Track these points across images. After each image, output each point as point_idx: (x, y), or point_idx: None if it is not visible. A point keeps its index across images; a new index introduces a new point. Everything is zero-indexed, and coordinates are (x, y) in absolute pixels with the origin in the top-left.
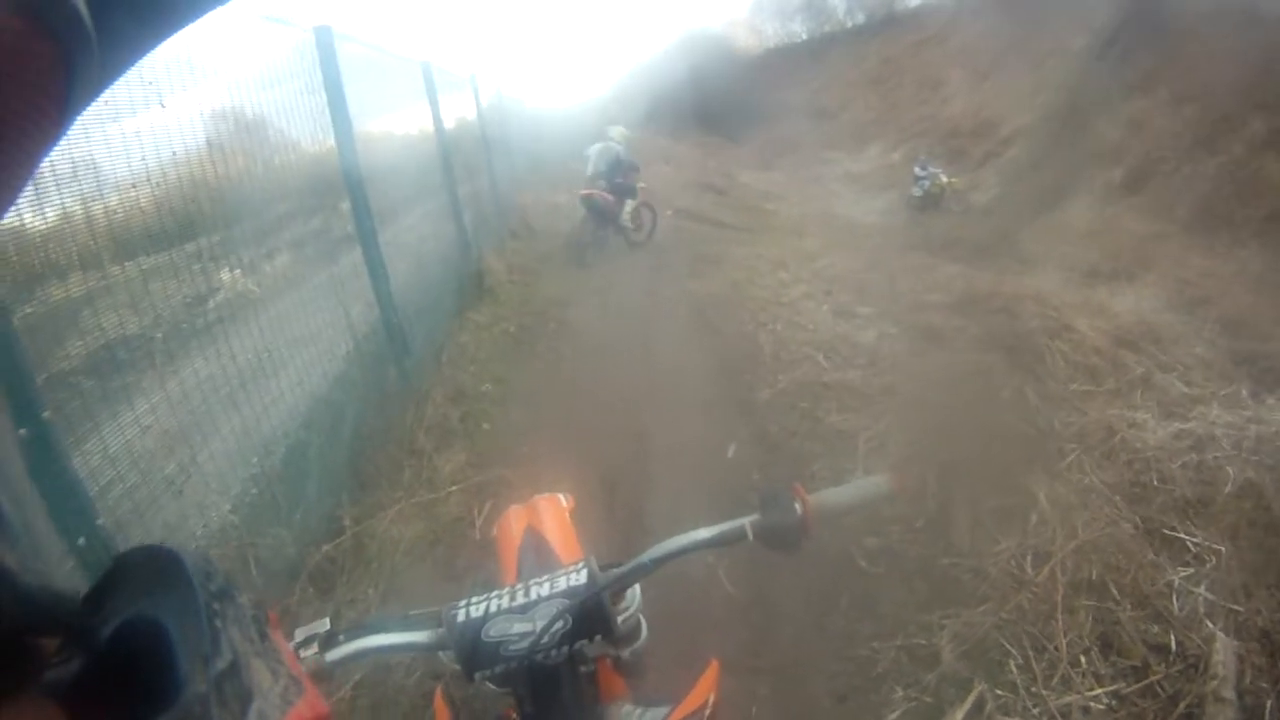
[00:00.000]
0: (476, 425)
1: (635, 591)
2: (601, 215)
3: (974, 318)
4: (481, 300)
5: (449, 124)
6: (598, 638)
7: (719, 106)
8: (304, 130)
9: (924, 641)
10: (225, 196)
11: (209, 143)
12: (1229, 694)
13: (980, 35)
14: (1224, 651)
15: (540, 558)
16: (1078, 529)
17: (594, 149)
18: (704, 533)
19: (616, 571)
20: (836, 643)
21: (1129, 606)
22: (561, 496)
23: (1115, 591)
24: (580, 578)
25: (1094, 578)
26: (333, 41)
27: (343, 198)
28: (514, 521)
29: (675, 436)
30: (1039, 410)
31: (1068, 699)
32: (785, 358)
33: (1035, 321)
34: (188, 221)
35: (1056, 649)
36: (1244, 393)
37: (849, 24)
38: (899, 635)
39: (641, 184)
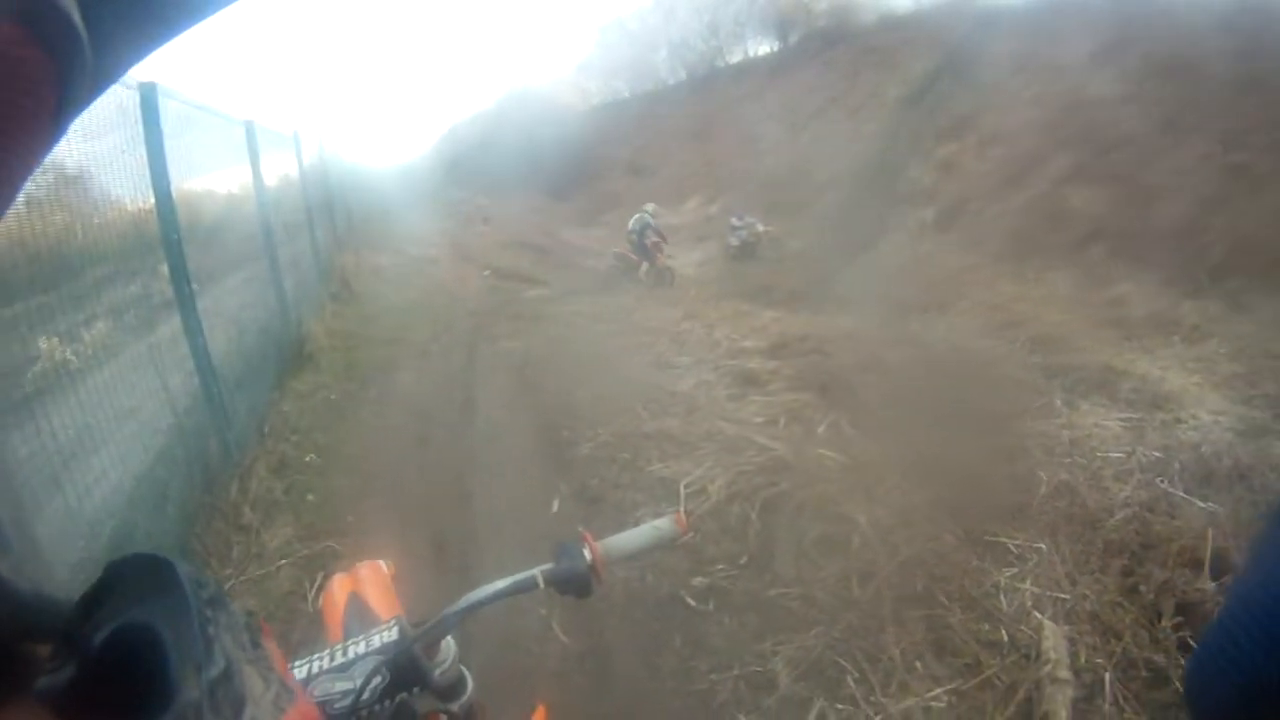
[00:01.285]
0: (301, 497)
1: (450, 644)
2: (624, 268)
3: (789, 359)
4: (303, 367)
5: (271, 184)
6: (417, 690)
7: (543, 164)
8: (125, 188)
9: (760, 669)
10: (43, 256)
11: (27, 197)
12: (1065, 674)
13: (798, 90)
14: (1054, 637)
15: (362, 621)
16: (899, 547)
17: (635, 218)
18: (500, 584)
19: (425, 626)
20: (673, 680)
21: (958, 610)
22: (383, 563)
23: (943, 598)
24: (392, 634)
25: (920, 589)
26: (156, 98)
27: (162, 261)
28: (338, 589)
29: (500, 496)
30: (853, 441)
31: (907, 703)
32: (604, 410)
33: (847, 358)
34: (3, 283)
35: (890, 659)
36: (1058, 402)
37: (671, 81)
38: (735, 666)
39: (668, 255)
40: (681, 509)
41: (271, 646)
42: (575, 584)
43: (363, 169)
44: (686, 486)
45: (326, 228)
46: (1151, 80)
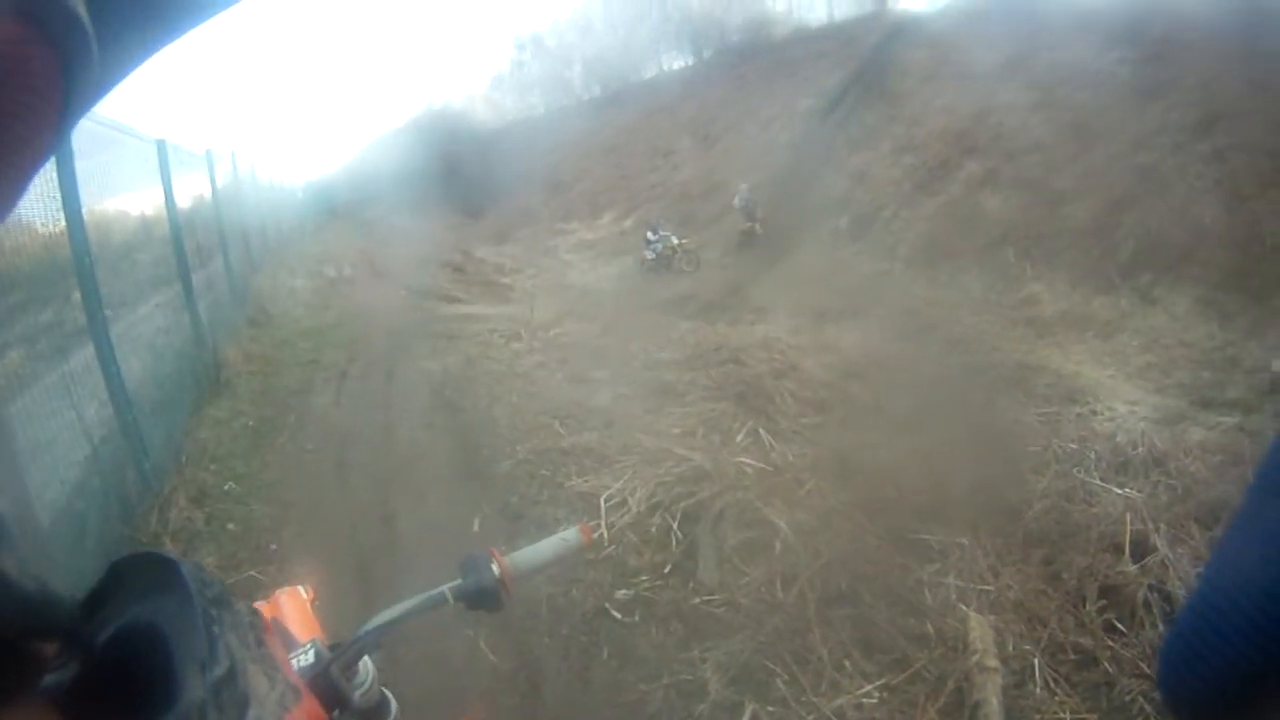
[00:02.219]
0: (222, 526)
1: (368, 665)
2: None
3: (706, 370)
4: (220, 394)
5: (184, 205)
6: (338, 713)
7: (459, 182)
8: (34, 211)
9: (690, 677)
10: None
11: None
12: (993, 663)
13: (711, 103)
14: (979, 628)
15: (282, 648)
16: (822, 549)
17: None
18: (410, 602)
19: (340, 648)
20: (604, 692)
21: (884, 607)
22: (302, 588)
23: (868, 597)
24: (309, 658)
25: (845, 588)
26: None
27: (74, 287)
28: None
29: (422, 517)
30: (772, 447)
31: (839, 701)
32: (523, 427)
33: (763, 366)
34: None
35: (819, 659)
36: (977, 401)
37: (586, 96)
38: (664, 675)
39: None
40: (603, 521)
41: (276, 646)
42: (485, 598)
43: (279, 187)
44: (607, 500)
45: (241, 249)
46: (1060, 88)
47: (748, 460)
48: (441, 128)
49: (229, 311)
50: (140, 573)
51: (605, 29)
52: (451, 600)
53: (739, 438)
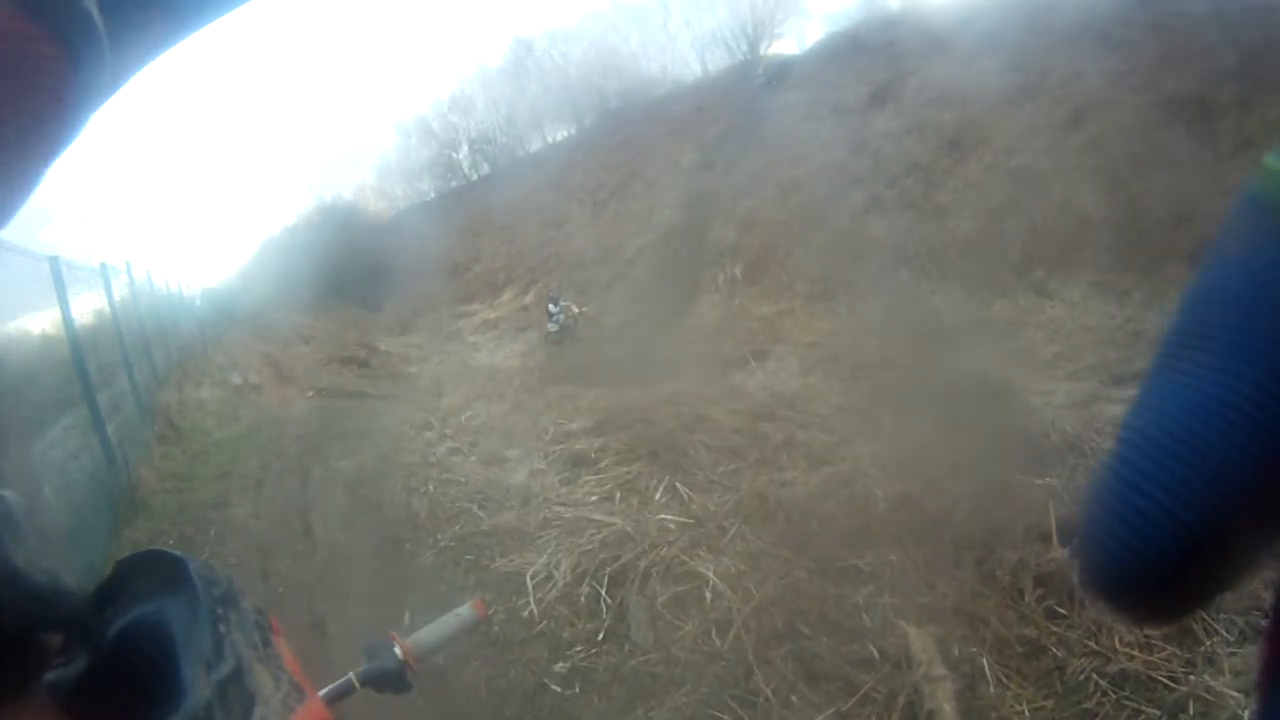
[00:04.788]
0: None
1: None
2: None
3: (616, 434)
4: (137, 514)
5: (84, 322)
6: None
7: (356, 276)
8: None
9: None
10: None
11: None
12: (940, 671)
13: (597, 169)
14: (920, 640)
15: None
16: (752, 591)
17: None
18: (319, 694)
19: None
20: None
21: (823, 638)
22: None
23: (806, 630)
24: None
25: (781, 626)
26: None
27: None
28: None
29: (351, 619)
30: (690, 500)
31: None
32: (442, 516)
33: (673, 422)
34: None
35: (765, 699)
36: (889, 420)
37: (474, 176)
38: None
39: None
40: (531, 598)
41: (282, 645)
42: (390, 680)
43: (178, 297)
44: (532, 577)
45: (145, 364)
46: (929, 108)
47: (668, 516)
48: (333, 222)
49: (138, 429)
50: (147, 571)
51: (487, 107)
52: (358, 685)
53: (657, 495)
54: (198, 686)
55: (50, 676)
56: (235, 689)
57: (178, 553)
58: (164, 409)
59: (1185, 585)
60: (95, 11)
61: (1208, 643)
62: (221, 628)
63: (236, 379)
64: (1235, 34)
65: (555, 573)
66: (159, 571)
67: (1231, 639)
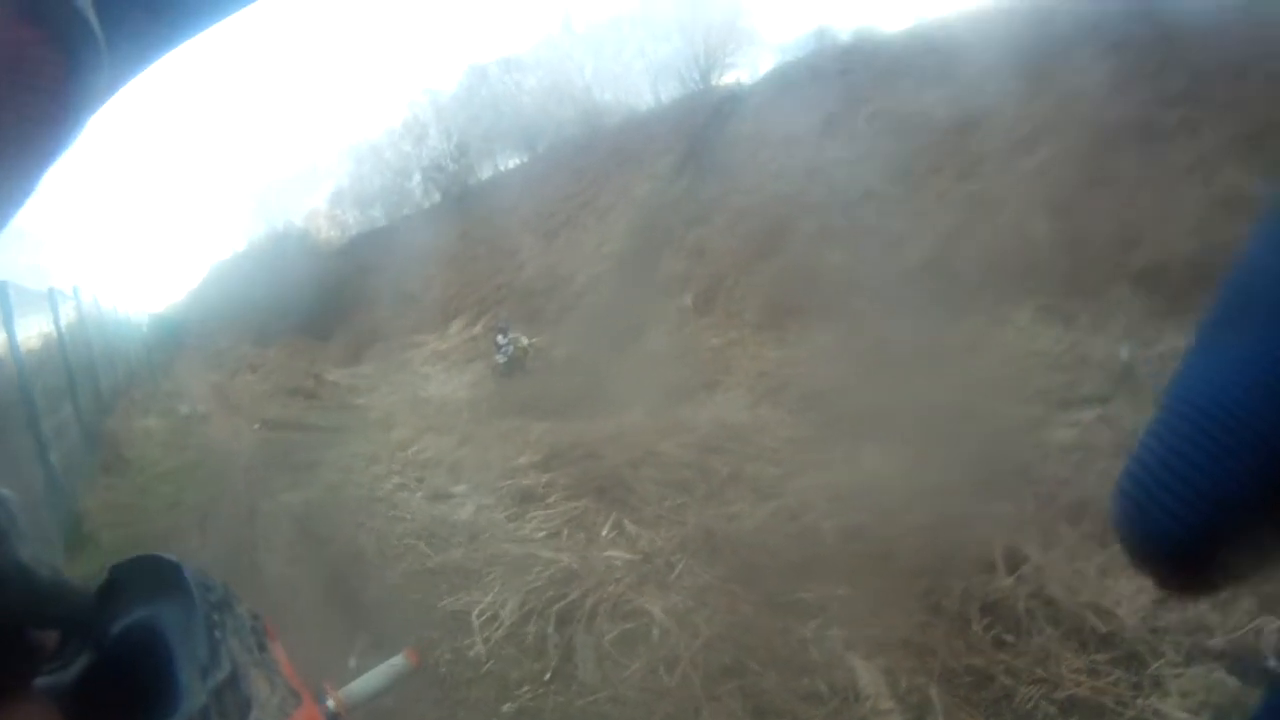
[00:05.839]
0: None
1: None
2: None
3: (563, 469)
4: (82, 548)
5: (30, 348)
6: None
7: (304, 303)
8: None
9: None
10: None
11: None
12: (887, 704)
13: (549, 199)
14: (867, 673)
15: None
16: (700, 627)
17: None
18: None
19: None
20: None
21: (771, 673)
22: None
23: (754, 665)
24: None
25: (729, 661)
26: None
27: None
28: None
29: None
30: (638, 536)
31: None
32: (389, 553)
33: (620, 457)
34: None
35: None
36: (839, 451)
37: (426, 204)
38: None
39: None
40: (478, 638)
41: (278, 650)
42: None
43: (126, 321)
44: (479, 615)
45: (91, 391)
46: (882, 136)
47: (615, 553)
48: (283, 248)
49: (84, 459)
50: (143, 576)
51: (440, 134)
52: None
53: (604, 532)
54: (194, 691)
55: (48, 679)
56: (231, 693)
57: (173, 557)
58: (110, 438)
59: (1226, 553)
60: (93, 17)
61: (1154, 665)
62: (217, 633)
63: (184, 408)
64: (1183, 56)
65: (502, 611)
66: (155, 576)
67: (1178, 660)
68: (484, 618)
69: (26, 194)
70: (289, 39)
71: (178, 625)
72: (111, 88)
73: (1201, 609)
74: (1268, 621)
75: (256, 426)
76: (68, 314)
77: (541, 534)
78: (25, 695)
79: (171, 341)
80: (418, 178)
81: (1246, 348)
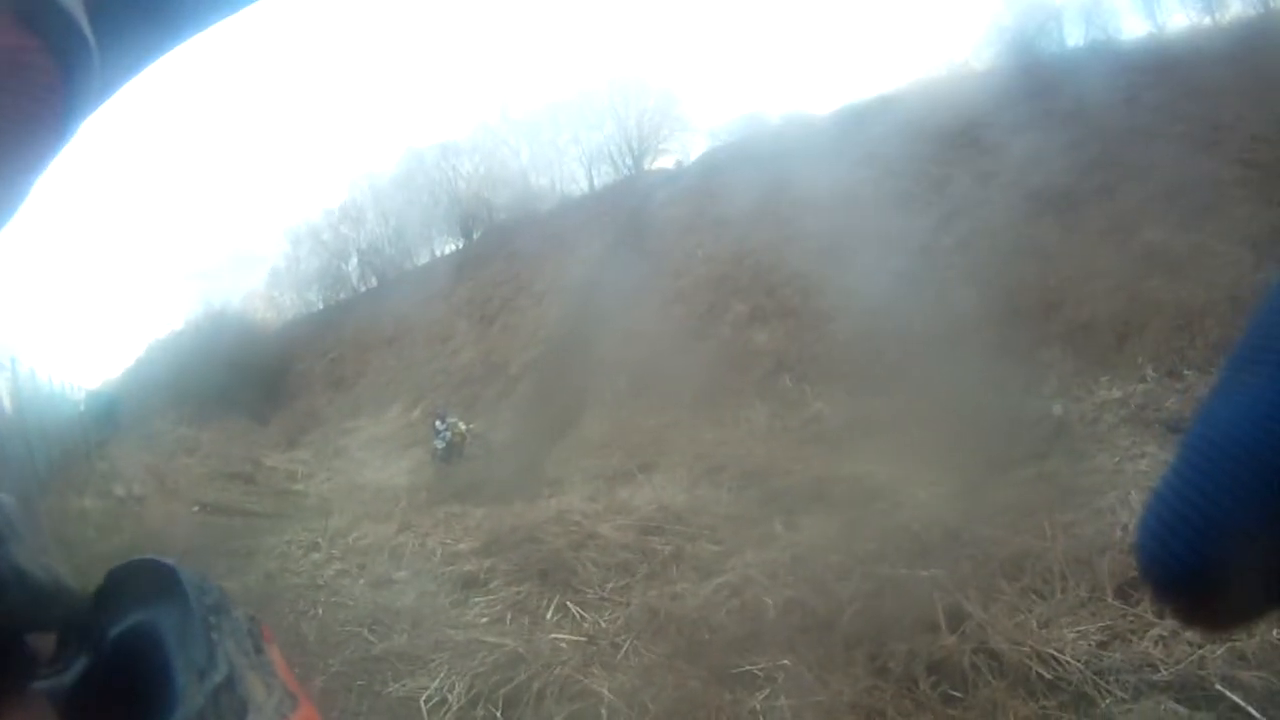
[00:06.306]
0: None
1: None
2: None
3: (504, 554)
4: None
5: None
6: None
7: (242, 385)
8: None
9: None
10: None
11: None
12: None
13: (485, 283)
14: None
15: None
16: (648, 705)
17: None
18: None
19: None
20: None
21: None
22: None
23: None
24: None
25: None
26: None
27: None
28: None
29: None
30: (583, 618)
31: None
32: (332, 640)
33: (561, 540)
34: None
35: None
36: (778, 526)
37: (363, 288)
38: None
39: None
40: None
41: (275, 653)
42: None
43: (62, 393)
44: (426, 701)
45: (26, 468)
46: (808, 218)
47: (560, 635)
48: (220, 329)
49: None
50: (139, 579)
51: (377, 218)
52: None
53: (548, 615)
54: (191, 694)
55: (46, 682)
56: (228, 696)
57: (170, 561)
58: (46, 518)
59: (1245, 588)
60: (85, 22)
61: (1104, 703)
62: (214, 635)
63: (120, 490)
64: (1099, 124)
65: (450, 696)
66: (151, 579)
67: (1126, 697)
68: (432, 703)
69: (21, 198)
70: (229, 115)
71: (174, 628)
72: (104, 93)
73: (1145, 645)
74: (1210, 651)
75: (194, 510)
76: (4, 384)
77: (485, 619)
78: (23, 698)
79: (108, 419)
80: (355, 261)
81: (1261, 387)
